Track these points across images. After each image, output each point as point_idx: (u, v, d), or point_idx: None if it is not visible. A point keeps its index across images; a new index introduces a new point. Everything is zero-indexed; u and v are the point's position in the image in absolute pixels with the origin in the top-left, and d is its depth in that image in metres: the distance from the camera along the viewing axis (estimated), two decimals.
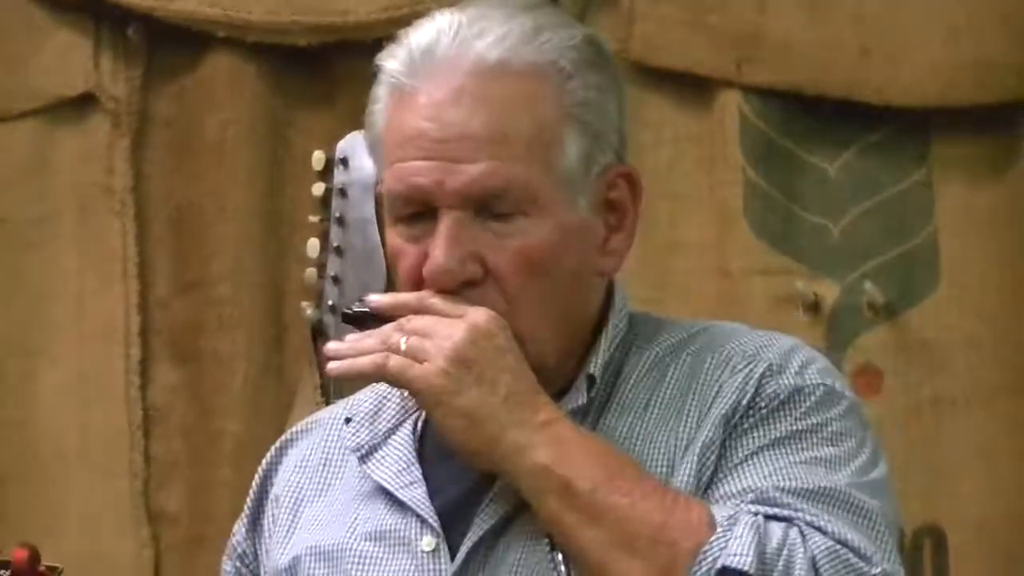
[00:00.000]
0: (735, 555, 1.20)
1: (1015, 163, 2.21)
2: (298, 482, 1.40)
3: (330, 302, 2.28)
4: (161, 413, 2.18)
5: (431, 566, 1.30)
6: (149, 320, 2.16)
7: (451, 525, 1.29)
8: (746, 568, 1.19)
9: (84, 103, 2.23)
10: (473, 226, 1.26)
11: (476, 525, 1.28)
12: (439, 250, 1.25)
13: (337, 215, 2.11)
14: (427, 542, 1.29)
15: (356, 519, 1.33)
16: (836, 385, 1.33)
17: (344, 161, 2.17)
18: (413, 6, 2.26)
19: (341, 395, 2.06)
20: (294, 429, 1.47)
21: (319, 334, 2.22)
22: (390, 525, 1.32)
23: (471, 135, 1.27)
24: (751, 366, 1.32)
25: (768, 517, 1.24)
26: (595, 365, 1.34)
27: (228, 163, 2.19)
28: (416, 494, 1.31)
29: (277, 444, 1.44)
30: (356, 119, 2.51)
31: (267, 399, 2.15)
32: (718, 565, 1.20)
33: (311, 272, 2.29)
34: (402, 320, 1.27)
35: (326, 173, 2.27)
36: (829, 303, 2.07)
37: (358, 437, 1.37)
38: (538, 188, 1.29)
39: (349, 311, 1.36)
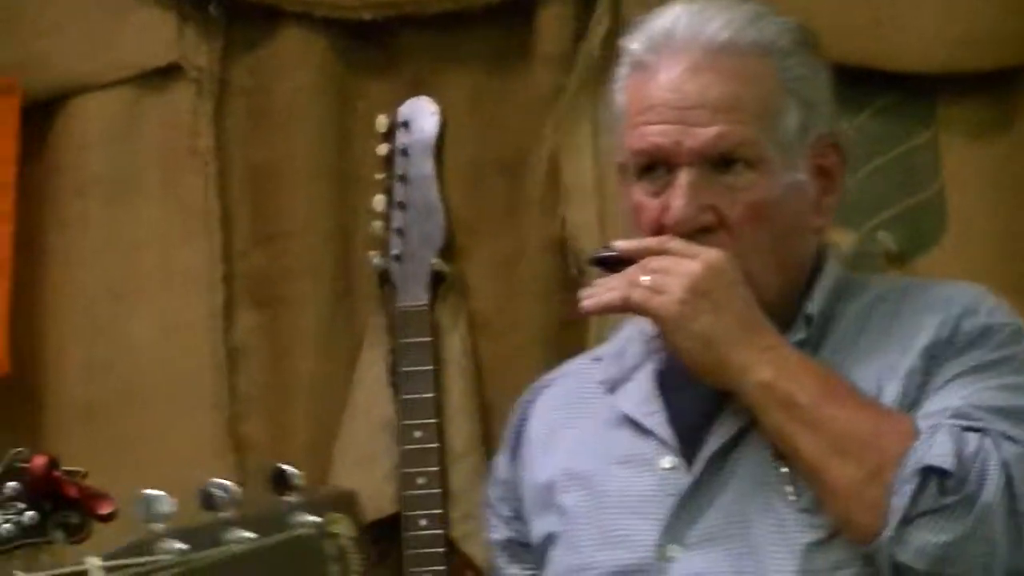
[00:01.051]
0: (938, 456, 1.39)
1: (1014, 123, 2.34)
2: (552, 417, 1.66)
3: (395, 252, 2.44)
4: (242, 352, 2.35)
5: (671, 481, 1.52)
6: (230, 269, 2.33)
7: (688, 445, 1.52)
8: (947, 467, 1.38)
9: (169, 73, 2.38)
10: (707, 181, 1.49)
11: (709, 443, 1.50)
12: (678, 200, 1.48)
13: (400, 173, 2.29)
14: (667, 461, 1.53)
15: (605, 445, 1.59)
16: (1021, 325, 1.56)
17: (406, 124, 2.32)
18: None
19: (406, 337, 2.26)
20: (546, 376, 1.73)
21: (385, 280, 2.40)
22: (634, 448, 1.56)
23: (707, 103, 1.50)
24: (948, 308, 1.51)
25: (965, 428, 1.42)
26: (812, 306, 1.56)
27: (299, 126, 2.35)
28: (657, 420, 1.54)
29: (532, 388, 1.71)
30: (416, 86, 2.69)
31: (338, 340, 2.32)
32: (922, 464, 1.38)
33: (377, 224, 2.43)
34: (645, 260, 1.49)
35: (389, 135, 2.45)
36: (848, 250, 2.21)
37: (607, 372, 1.62)
38: (764, 150, 1.50)
39: (597, 255, 1.59)
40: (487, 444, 2.34)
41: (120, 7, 2.42)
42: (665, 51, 1.60)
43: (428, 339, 2.36)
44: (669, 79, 1.57)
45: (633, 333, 1.60)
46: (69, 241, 2.35)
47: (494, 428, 2.35)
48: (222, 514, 1.28)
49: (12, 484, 1.70)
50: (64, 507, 1.71)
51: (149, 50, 2.37)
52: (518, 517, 1.70)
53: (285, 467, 1.29)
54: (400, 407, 2.24)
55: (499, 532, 1.70)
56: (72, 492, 1.71)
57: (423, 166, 2.38)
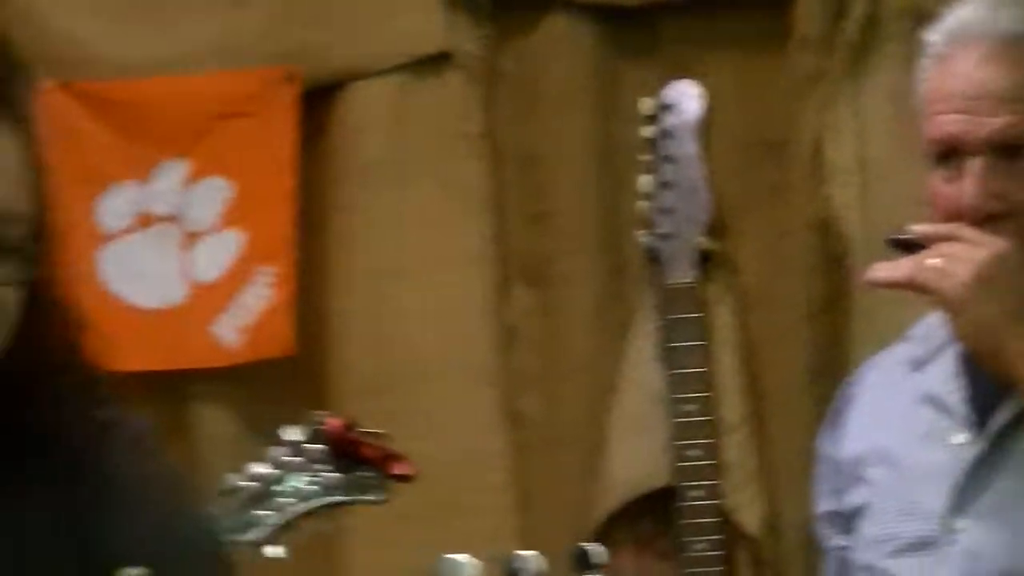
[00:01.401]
0: None
1: None
2: (868, 396, 1.82)
3: (661, 230, 2.54)
4: (516, 330, 2.48)
5: (961, 456, 1.66)
6: (502, 249, 2.45)
7: (981, 423, 1.66)
8: None
9: (440, 60, 2.52)
10: (996, 170, 1.60)
11: (996, 419, 1.63)
12: (968, 188, 1.60)
13: (665, 154, 2.38)
14: (960, 437, 1.67)
15: (908, 421, 1.74)
16: None
17: (669, 107, 2.43)
18: None
19: (674, 313, 2.36)
20: (871, 360, 1.89)
21: (652, 258, 2.50)
22: (934, 424, 1.71)
23: (995, 93, 1.60)
24: None
25: None
26: None
27: (566, 110, 2.46)
28: (956, 399, 1.68)
29: (859, 370, 1.89)
30: (678, 69, 2.77)
31: (609, 317, 2.43)
32: None
33: (643, 204, 2.56)
34: (937, 245, 1.61)
35: (654, 118, 2.55)
36: None
37: (914, 352, 1.77)
38: None
39: (893, 236, 1.69)
40: (756, 418, 2.46)
41: None
42: (960, 42, 1.70)
43: (697, 315, 2.46)
44: (961, 70, 1.69)
45: (940, 317, 1.69)
46: (348, 223, 2.48)
47: (762, 402, 2.48)
48: None
49: (316, 446, 1.89)
50: (362, 467, 1.89)
51: (420, 38, 2.50)
52: (838, 491, 1.81)
53: (588, 547, 1.30)
54: (670, 381, 2.34)
55: (824, 504, 1.82)
56: (369, 452, 1.90)
57: (687, 147, 2.48)
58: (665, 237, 2.52)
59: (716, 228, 2.58)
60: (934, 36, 1.75)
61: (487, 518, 2.49)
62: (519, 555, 1.24)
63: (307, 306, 2.50)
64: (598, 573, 1.26)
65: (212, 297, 2.52)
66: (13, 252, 1.11)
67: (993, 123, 1.65)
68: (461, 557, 1.22)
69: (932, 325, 1.78)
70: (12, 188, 1.16)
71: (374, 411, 2.46)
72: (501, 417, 2.42)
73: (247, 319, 2.45)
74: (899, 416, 1.85)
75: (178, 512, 1.38)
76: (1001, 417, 1.70)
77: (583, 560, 1.30)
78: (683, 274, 2.56)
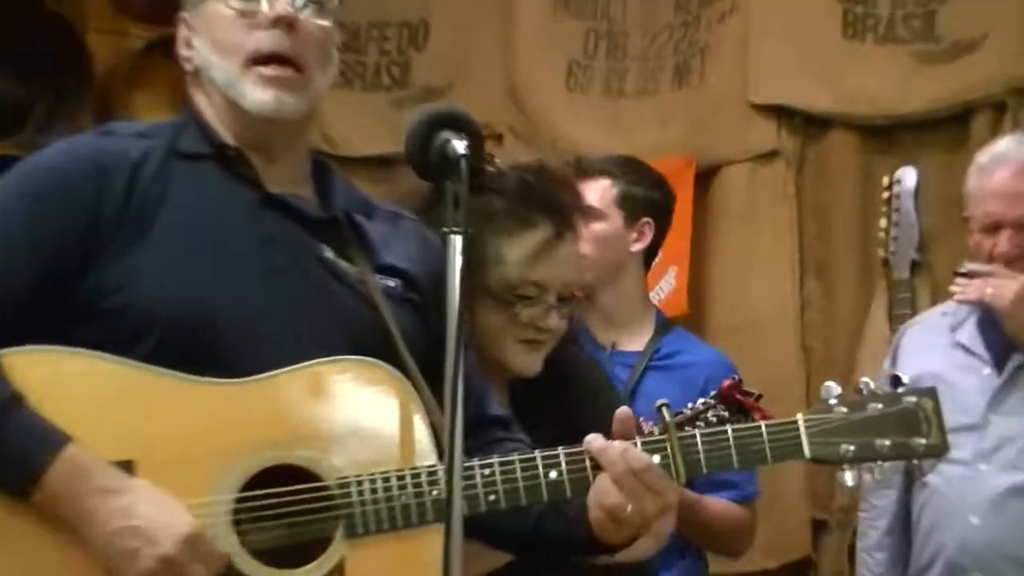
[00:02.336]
0: None
1: None
2: (916, 344, 3.19)
3: (892, 248, 3.82)
4: (809, 301, 4.16)
5: (989, 382, 3.00)
6: (803, 255, 4.14)
7: (999, 363, 3.01)
8: None
9: (773, 154, 4.20)
10: (1018, 235, 2.98)
11: (1014, 359, 2.96)
12: (1001, 246, 2.97)
13: (895, 207, 3.95)
14: (986, 370, 3.04)
15: (947, 359, 3.05)
16: None
17: (898, 180, 3.81)
18: None
19: (898, 293, 4.08)
20: (910, 322, 3.35)
21: (886, 263, 3.83)
22: (966, 362, 3.06)
23: (1020, 194, 3.03)
24: None
25: None
26: None
27: (842, 181, 4.16)
28: (980, 349, 3.05)
29: (902, 328, 3.36)
30: (904, 158, 4.11)
31: (862, 295, 4.02)
32: None
33: (882, 234, 3.84)
34: (986, 276, 2.97)
35: (890, 186, 3.82)
36: None
37: (951, 320, 3.13)
38: None
39: (961, 270, 3.06)
40: None
41: None
42: (998, 162, 3.15)
43: (908, 295, 3.89)
44: (998, 177, 3.09)
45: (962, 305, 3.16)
46: (721, 244, 4.26)
47: None
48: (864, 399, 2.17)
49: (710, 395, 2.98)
50: (742, 418, 2.82)
51: (762, 142, 4.24)
52: None
53: (899, 375, 2.26)
54: (891, 332, 3.72)
55: None
56: (747, 404, 2.88)
57: (907, 203, 3.81)
58: (894, 252, 3.93)
59: (922, 247, 3.95)
60: (983, 157, 3.22)
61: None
62: (866, 382, 2.12)
63: (696, 288, 4.27)
64: (903, 386, 2.12)
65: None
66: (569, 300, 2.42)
67: (1018, 210, 3.12)
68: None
69: (955, 306, 3.17)
70: (574, 273, 2.45)
71: (731, 346, 3.88)
72: (799, 351, 4.10)
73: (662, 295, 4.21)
74: (941, 355, 3.22)
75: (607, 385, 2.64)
76: (1014, 362, 3.08)
77: (897, 381, 2.18)
78: (902, 272, 3.92)
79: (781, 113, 4.43)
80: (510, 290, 2.51)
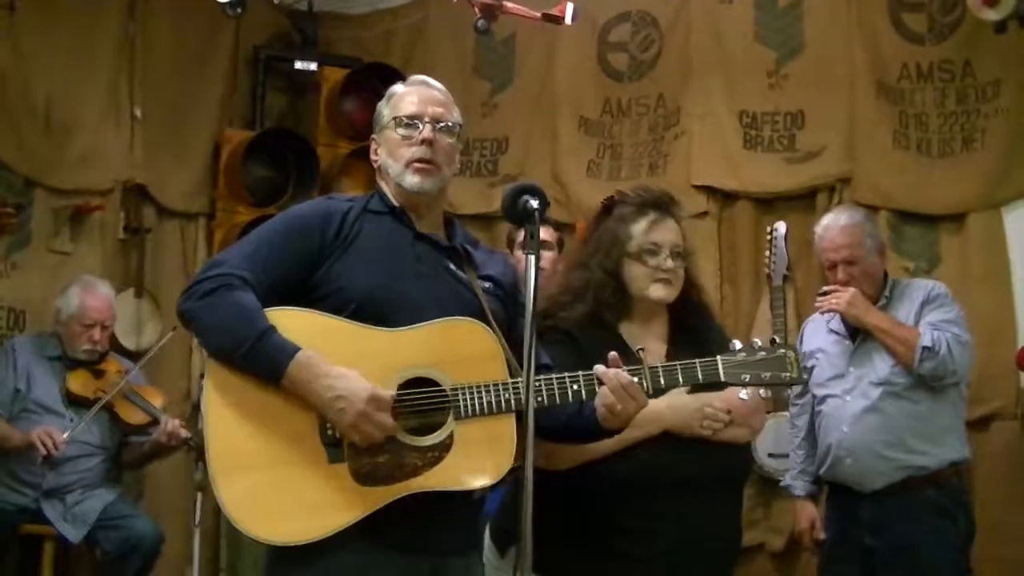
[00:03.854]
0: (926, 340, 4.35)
1: None
2: (810, 331, 4.88)
3: (771, 270, 5.75)
4: None
5: (847, 349, 4.62)
6: None
7: (854, 338, 4.56)
8: (927, 343, 4.31)
9: None
10: (847, 269, 4.53)
11: (859, 336, 4.52)
12: (838, 276, 4.54)
13: None
14: (847, 343, 4.62)
15: (826, 340, 4.75)
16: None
17: None
18: None
19: None
20: (807, 319, 4.95)
21: (770, 281, 5.67)
22: (835, 340, 4.72)
23: (841, 244, 4.59)
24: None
25: (935, 330, 4.37)
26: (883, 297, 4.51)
27: None
28: (843, 332, 4.67)
29: (804, 323, 5.00)
30: None
31: None
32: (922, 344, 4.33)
33: (765, 262, 5.65)
34: (832, 294, 4.52)
35: None
36: None
37: (827, 317, 4.70)
38: None
39: (820, 292, 4.60)
40: None
41: None
42: (825, 224, 4.67)
43: (781, 296, 5.29)
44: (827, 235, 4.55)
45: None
46: None
47: None
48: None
49: None
50: None
51: None
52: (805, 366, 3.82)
53: (775, 338, 4.09)
54: None
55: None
56: None
57: (781, 243, 5.68)
58: (773, 271, 5.28)
59: (788, 268, 5.38)
60: (818, 227, 4.64)
61: None
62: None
63: None
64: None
65: None
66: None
67: (841, 254, 4.50)
68: None
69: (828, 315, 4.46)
70: (676, 237, 3.20)
71: None
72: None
73: None
74: (823, 336, 4.57)
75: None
76: (859, 338, 4.35)
77: (774, 342, 2.91)
78: (777, 283, 5.34)
79: (710, 191, 6.09)
80: (642, 250, 3.22)
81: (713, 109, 6.24)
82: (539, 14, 5.34)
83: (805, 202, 6.05)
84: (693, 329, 3.25)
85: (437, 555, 2.79)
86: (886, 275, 4.67)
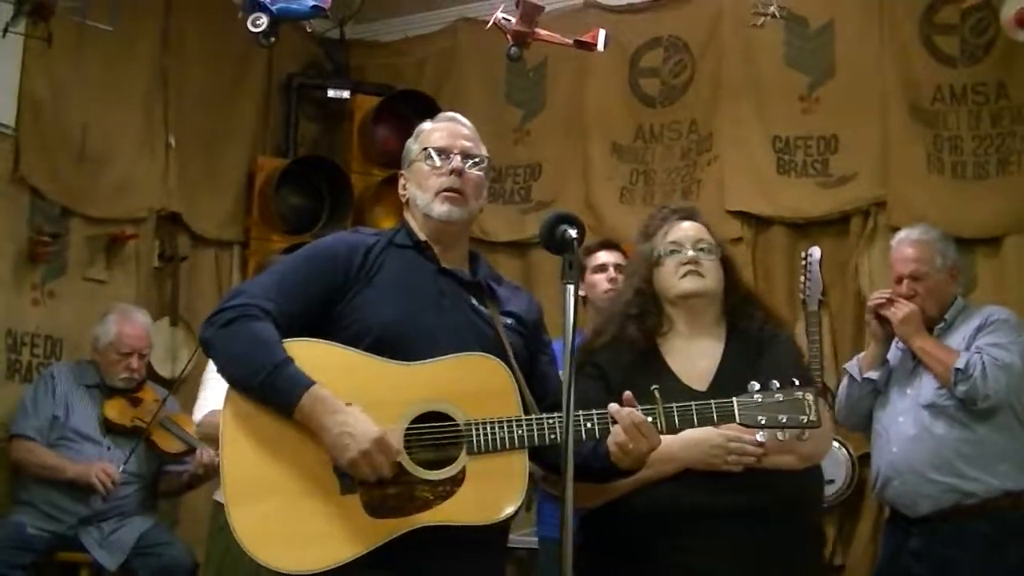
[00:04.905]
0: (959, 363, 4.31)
1: None
2: None
3: (806, 294, 5.45)
4: None
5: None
6: None
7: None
8: (959, 365, 4.30)
9: None
10: (912, 283, 4.53)
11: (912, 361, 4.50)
12: (901, 290, 4.55)
13: None
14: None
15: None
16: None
17: None
18: None
19: None
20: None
21: (805, 305, 5.97)
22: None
23: (912, 258, 4.58)
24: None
25: (975, 353, 4.30)
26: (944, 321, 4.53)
27: None
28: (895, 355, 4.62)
29: None
30: None
31: None
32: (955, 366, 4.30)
33: (800, 287, 5.69)
34: (892, 303, 4.56)
35: None
36: None
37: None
38: None
39: (879, 296, 4.62)
40: None
41: None
42: (898, 241, 4.69)
43: (816, 320, 5.33)
44: (901, 249, 4.62)
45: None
46: None
47: None
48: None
49: None
50: None
51: None
52: None
53: (795, 380, 2.83)
54: None
55: None
56: None
57: (816, 268, 5.61)
58: (808, 295, 5.35)
59: (823, 293, 5.51)
60: (893, 240, 4.63)
61: None
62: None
63: None
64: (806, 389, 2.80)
65: None
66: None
67: (908, 268, 4.49)
68: None
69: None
70: (697, 234, 3.18)
71: None
72: None
73: None
74: (893, 350, 4.65)
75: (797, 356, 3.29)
76: (913, 362, 4.51)
77: (792, 383, 2.79)
78: (812, 307, 5.36)
79: (744, 216, 6.06)
80: (664, 253, 3.26)
81: (746, 134, 6.25)
82: (571, 40, 5.39)
83: (839, 227, 6.01)
84: (754, 340, 3.20)
85: None
86: (956, 299, 4.62)
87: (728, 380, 2.96)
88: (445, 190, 2.98)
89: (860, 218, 5.94)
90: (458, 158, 2.99)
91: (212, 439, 4.71)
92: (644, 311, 3.25)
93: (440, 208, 2.98)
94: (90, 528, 5.35)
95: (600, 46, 5.41)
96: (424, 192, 3.01)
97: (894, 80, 5.94)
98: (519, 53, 5.35)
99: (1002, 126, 5.71)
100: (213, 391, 4.61)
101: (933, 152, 5.80)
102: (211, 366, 4.58)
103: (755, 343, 3.18)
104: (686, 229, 3.29)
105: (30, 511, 5.34)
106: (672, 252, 3.25)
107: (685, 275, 3.22)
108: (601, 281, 4.81)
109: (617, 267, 4.81)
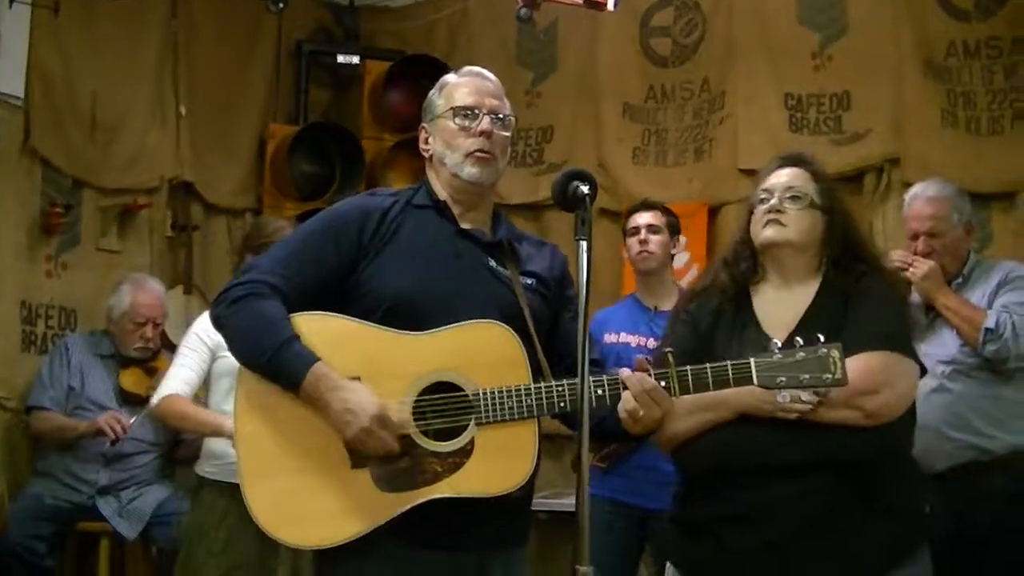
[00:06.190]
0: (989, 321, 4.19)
1: None
2: None
3: None
4: None
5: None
6: None
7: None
8: (990, 325, 4.17)
9: None
10: (928, 240, 4.38)
11: (931, 313, 4.38)
12: (919, 247, 4.38)
13: None
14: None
15: None
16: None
17: None
18: None
19: None
20: None
21: None
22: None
23: (926, 215, 4.42)
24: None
25: (1004, 312, 4.18)
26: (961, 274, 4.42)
27: None
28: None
29: None
30: None
31: None
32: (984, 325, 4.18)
33: None
34: (912, 263, 4.35)
35: None
36: None
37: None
38: None
39: (898, 258, 4.34)
40: None
41: None
42: (913, 195, 4.48)
43: None
44: (917, 205, 4.42)
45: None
46: None
47: None
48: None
49: None
50: None
51: None
52: None
53: (819, 335, 2.73)
54: None
55: None
56: None
57: None
58: None
59: None
60: (907, 196, 4.47)
61: None
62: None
63: None
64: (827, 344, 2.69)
65: None
66: None
67: (925, 225, 4.33)
68: None
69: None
70: (788, 180, 3.11)
71: None
72: None
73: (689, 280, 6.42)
74: None
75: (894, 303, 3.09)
76: (932, 313, 4.36)
77: (816, 340, 2.72)
78: None
79: (756, 174, 5.77)
80: (757, 200, 3.26)
81: (758, 92, 6.26)
82: (581, 0, 5.32)
83: (853, 184, 5.95)
84: (844, 293, 3.12)
85: (479, 551, 2.82)
86: (969, 254, 4.56)
87: (810, 331, 2.84)
88: (476, 151, 2.94)
89: (874, 175, 5.96)
90: (487, 119, 2.94)
91: (161, 421, 4.97)
92: (738, 257, 3.23)
93: (471, 170, 2.94)
94: (108, 497, 5.42)
95: (610, 6, 5.41)
96: (453, 151, 2.96)
97: (907, 36, 5.93)
98: (529, 14, 5.35)
99: (1016, 80, 5.69)
100: (180, 369, 4.76)
101: (947, 108, 5.79)
102: (188, 339, 4.79)
103: (844, 296, 3.11)
104: (780, 176, 3.24)
105: (49, 481, 5.41)
106: (762, 200, 3.22)
107: (767, 224, 3.18)
108: (633, 244, 4.84)
109: (650, 227, 4.85)
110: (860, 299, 3.10)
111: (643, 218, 4.88)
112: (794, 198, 3.18)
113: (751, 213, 3.26)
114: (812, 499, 2.92)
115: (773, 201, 3.17)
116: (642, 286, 4.87)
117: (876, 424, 2.94)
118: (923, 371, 3.14)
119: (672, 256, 4.95)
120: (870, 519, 2.92)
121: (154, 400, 4.83)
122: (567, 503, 4.16)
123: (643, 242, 4.79)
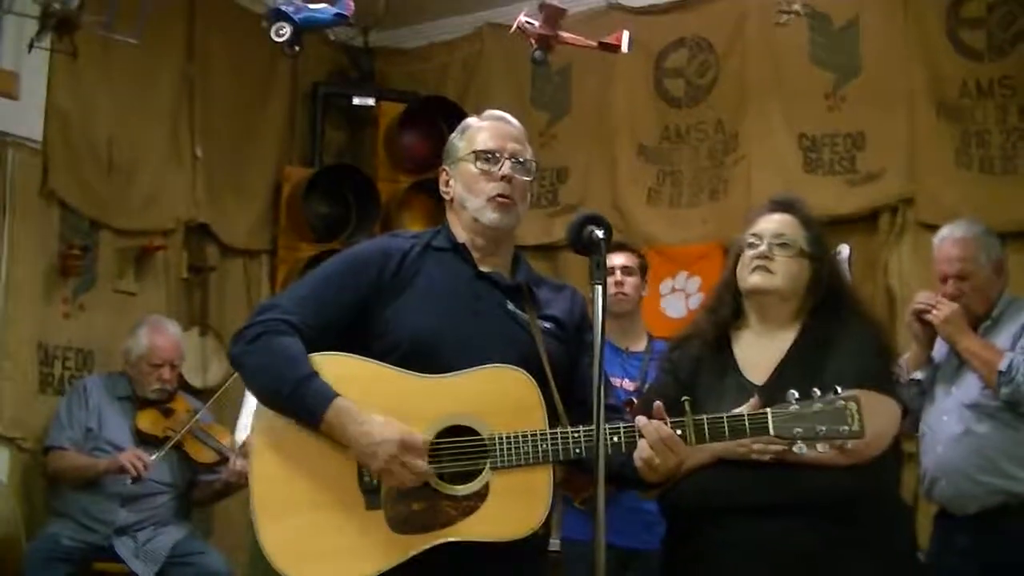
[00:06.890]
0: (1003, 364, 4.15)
1: None
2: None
3: None
4: None
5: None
6: None
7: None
8: (1003, 368, 4.15)
9: None
10: (957, 283, 4.38)
11: (954, 360, 4.38)
12: (946, 290, 4.39)
13: None
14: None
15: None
16: None
17: None
18: None
19: None
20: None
21: None
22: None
23: (956, 257, 4.39)
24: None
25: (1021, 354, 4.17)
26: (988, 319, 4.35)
27: None
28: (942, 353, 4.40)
29: None
30: None
31: None
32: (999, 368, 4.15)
33: None
34: (936, 305, 4.38)
35: None
36: None
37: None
38: None
39: (922, 300, 4.41)
40: None
41: None
42: (942, 237, 4.43)
43: None
44: (946, 248, 4.39)
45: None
46: None
47: None
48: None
49: None
50: None
51: None
52: None
53: (838, 388, 2.69)
54: None
55: None
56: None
57: (845, 265, 5.44)
58: None
59: None
60: (936, 238, 4.43)
61: None
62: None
63: None
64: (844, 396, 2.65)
65: None
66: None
67: (953, 268, 4.30)
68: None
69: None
70: (777, 228, 3.09)
71: None
72: None
73: None
74: (938, 347, 4.52)
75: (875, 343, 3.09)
76: (956, 360, 4.37)
77: (834, 390, 2.69)
78: None
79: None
80: (744, 244, 3.24)
81: (772, 133, 6.27)
82: (595, 43, 5.39)
83: (868, 224, 6.00)
84: (825, 337, 3.10)
85: None
86: (1001, 294, 4.51)
87: (789, 374, 2.88)
88: (497, 195, 2.95)
89: (889, 215, 5.95)
90: (508, 163, 2.95)
91: None
92: (720, 302, 3.22)
93: (492, 215, 2.95)
94: (125, 538, 5.38)
95: (624, 47, 5.41)
96: (475, 196, 2.97)
97: (920, 75, 5.95)
98: (544, 56, 5.36)
99: None
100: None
101: (961, 147, 5.79)
102: None
103: (825, 341, 3.09)
104: (770, 221, 3.23)
105: (65, 522, 5.38)
106: (751, 244, 3.20)
107: (754, 269, 3.17)
108: (608, 284, 4.82)
109: (625, 269, 4.79)
110: (842, 341, 3.08)
111: (618, 259, 4.82)
112: (783, 245, 3.17)
113: (738, 256, 3.23)
114: (796, 538, 2.92)
115: (762, 248, 3.16)
116: (615, 327, 4.71)
117: (854, 463, 2.90)
118: (905, 411, 3.18)
119: (641, 298, 4.92)
120: (855, 558, 2.93)
121: (240, 437, 4.97)
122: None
123: (618, 283, 4.74)
